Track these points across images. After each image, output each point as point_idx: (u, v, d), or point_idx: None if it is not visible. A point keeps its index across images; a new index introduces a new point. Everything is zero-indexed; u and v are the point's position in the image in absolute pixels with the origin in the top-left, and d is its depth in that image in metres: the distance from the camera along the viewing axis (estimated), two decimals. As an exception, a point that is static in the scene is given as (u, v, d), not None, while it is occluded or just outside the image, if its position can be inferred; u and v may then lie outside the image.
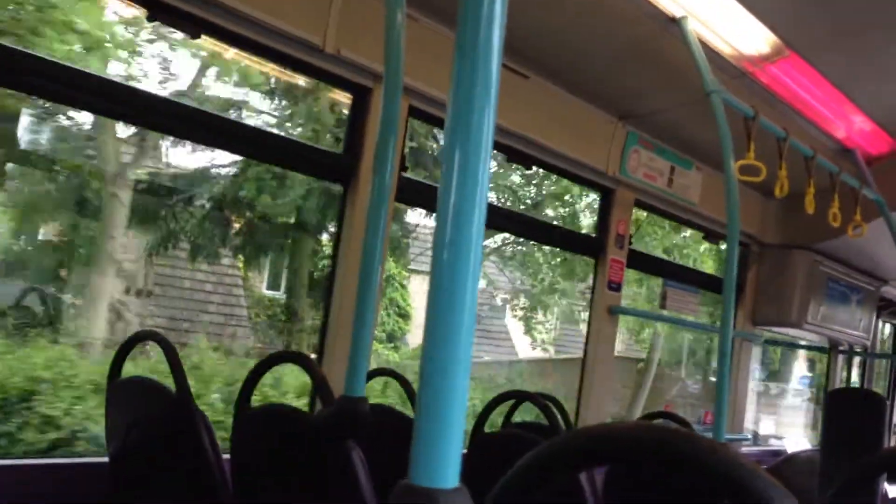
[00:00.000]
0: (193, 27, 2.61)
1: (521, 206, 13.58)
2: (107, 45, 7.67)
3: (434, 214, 0.84)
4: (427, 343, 0.78)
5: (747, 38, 3.36)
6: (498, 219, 3.96)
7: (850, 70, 3.71)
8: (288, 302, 12.71)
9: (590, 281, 4.37)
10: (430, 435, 0.76)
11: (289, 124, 10.06)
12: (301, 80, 8.20)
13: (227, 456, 2.24)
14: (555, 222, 12.74)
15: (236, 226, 10.93)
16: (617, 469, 3.08)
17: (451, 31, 0.83)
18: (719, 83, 3.11)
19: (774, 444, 6.54)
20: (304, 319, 11.74)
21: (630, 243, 4.50)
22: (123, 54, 8.14)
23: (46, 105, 8.73)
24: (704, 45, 3.23)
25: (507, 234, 13.97)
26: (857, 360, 7.41)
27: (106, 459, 2.49)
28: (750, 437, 6.10)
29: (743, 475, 0.61)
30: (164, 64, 8.88)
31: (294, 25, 2.73)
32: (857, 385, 7.33)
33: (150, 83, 8.62)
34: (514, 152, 3.78)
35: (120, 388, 2.49)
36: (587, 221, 13.19)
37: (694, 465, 0.63)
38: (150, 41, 8.37)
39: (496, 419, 3.50)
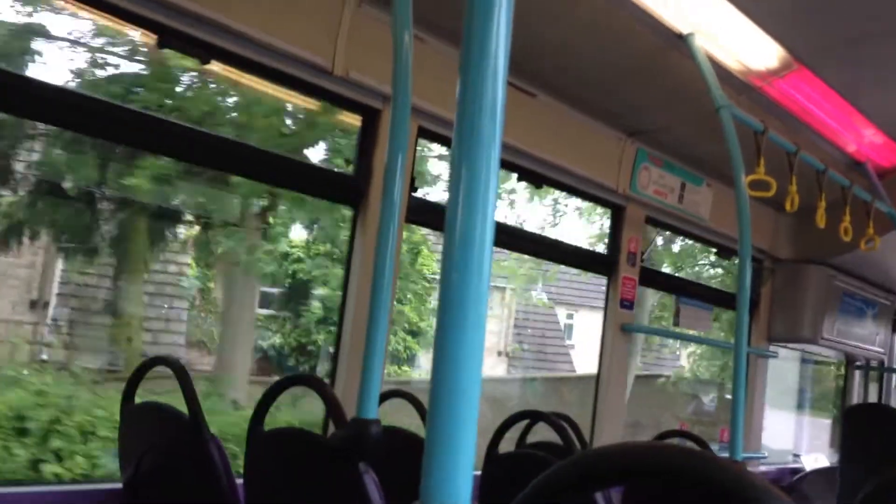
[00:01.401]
0: (203, 53, 2.63)
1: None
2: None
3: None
4: (437, 364, 0.77)
5: (755, 52, 3.36)
6: (507, 238, 3.96)
7: (859, 82, 3.70)
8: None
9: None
10: (441, 457, 0.75)
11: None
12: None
13: (240, 480, 2.23)
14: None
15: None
16: (634, 488, 3.05)
17: (458, 52, 0.83)
18: (728, 98, 3.10)
19: (792, 462, 6.47)
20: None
21: (643, 261, 4.48)
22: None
23: None
24: (712, 60, 3.23)
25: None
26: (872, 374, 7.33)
27: (120, 485, 2.49)
28: (767, 454, 6.03)
29: (757, 495, 0.60)
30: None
31: (303, 48, 2.75)
32: (874, 401, 7.25)
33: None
34: (524, 171, 3.78)
35: (133, 413, 2.49)
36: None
37: (708, 485, 0.62)
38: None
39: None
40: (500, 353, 17.49)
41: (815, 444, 8.45)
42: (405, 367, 15.34)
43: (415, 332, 15.56)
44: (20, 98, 2.34)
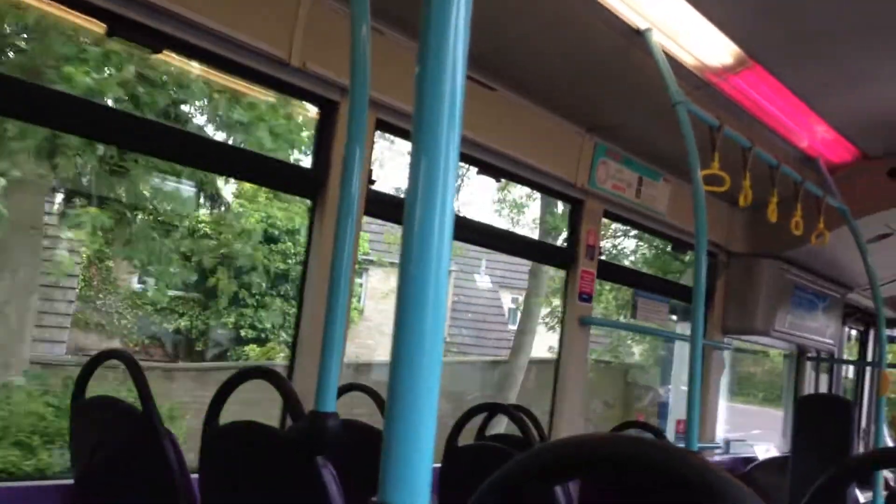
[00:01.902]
0: (155, 42, 2.58)
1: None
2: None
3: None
4: (395, 357, 0.77)
5: (711, 49, 3.40)
6: (466, 231, 3.96)
7: (812, 80, 3.77)
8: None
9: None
10: (400, 452, 0.75)
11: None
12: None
13: (195, 475, 2.21)
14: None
15: None
16: (592, 480, 3.08)
17: (417, 44, 0.82)
18: (684, 94, 3.14)
19: (745, 451, 6.59)
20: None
21: (600, 254, 4.52)
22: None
23: None
24: (669, 56, 3.26)
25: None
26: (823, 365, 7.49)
27: (71, 481, 2.44)
28: (722, 445, 6.13)
29: (715, 482, 0.61)
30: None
31: (259, 39, 2.71)
32: (824, 391, 7.41)
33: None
34: (483, 165, 3.79)
35: (84, 407, 2.44)
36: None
37: (666, 475, 0.63)
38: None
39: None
40: None
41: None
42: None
43: None
44: None
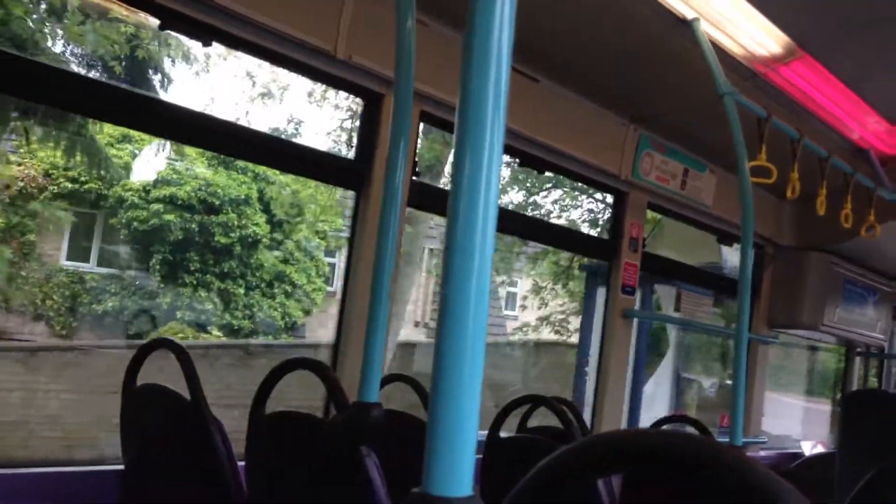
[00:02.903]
0: (204, 35, 2.62)
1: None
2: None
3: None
4: (439, 348, 0.77)
5: (759, 39, 3.34)
6: (509, 223, 3.96)
7: (863, 70, 3.69)
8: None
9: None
10: (443, 443, 0.76)
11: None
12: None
13: (241, 463, 2.25)
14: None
15: None
16: (634, 475, 3.06)
17: (461, 36, 0.82)
18: (732, 85, 3.09)
19: (792, 448, 6.49)
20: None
21: (644, 246, 4.48)
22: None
23: None
24: (716, 46, 3.21)
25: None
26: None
27: (121, 467, 2.50)
28: (767, 439, 6.05)
29: (756, 479, 0.61)
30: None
31: (305, 32, 2.74)
32: (874, 387, 7.27)
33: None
34: (526, 156, 3.78)
35: (135, 396, 2.50)
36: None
37: (706, 470, 0.63)
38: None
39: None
40: (416, 324, 15.83)
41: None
42: (285, 337, 12.89)
43: (300, 297, 13.07)
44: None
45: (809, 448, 6.38)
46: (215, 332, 11.97)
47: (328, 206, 13.38)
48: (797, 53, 3.43)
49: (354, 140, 4.02)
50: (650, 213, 4.70)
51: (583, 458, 0.71)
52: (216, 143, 2.99)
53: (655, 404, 7.46)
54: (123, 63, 10.33)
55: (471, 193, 0.78)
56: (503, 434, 3.12)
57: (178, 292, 11.86)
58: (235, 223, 12.02)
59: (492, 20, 0.80)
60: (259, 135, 3.12)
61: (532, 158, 3.79)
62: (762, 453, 5.93)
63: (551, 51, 3.39)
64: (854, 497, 1.56)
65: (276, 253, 12.92)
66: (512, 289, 18.67)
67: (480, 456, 3.04)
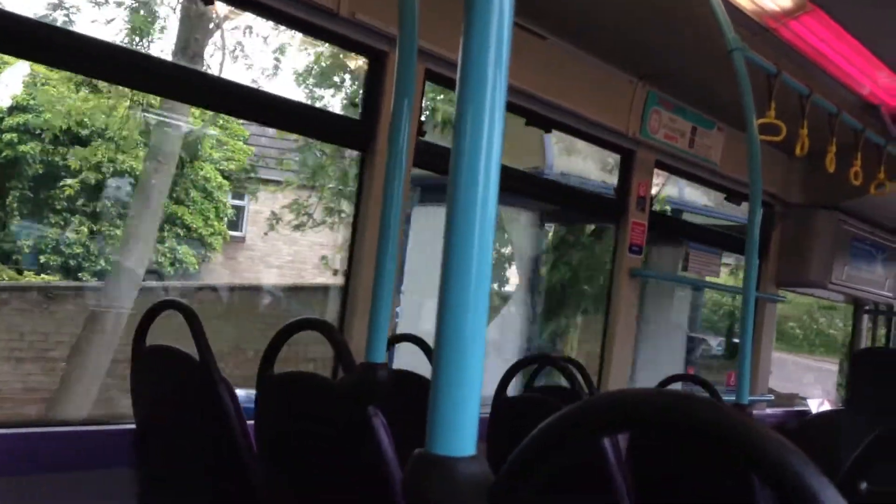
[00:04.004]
0: None
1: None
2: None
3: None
4: (442, 306, 0.77)
5: (770, -7, 3.29)
6: (513, 181, 3.94)
7: (874, 24, 3.63)
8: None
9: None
10: (446, 403, 0.76)
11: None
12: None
13: (251, 422, 2.27)
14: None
15: None
16: (640, 434, 3.08)
17: None
18: (741, 41, 3.05)
19: (798, 405, 6.53)
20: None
21: (651, 206, 4.46)
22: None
23: None
24: (725, 1, 3.16)
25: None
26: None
27: (132, 426, 2.53)
28: (772, 397, 6.08)
29: (756, 440, 0.61)
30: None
31: None
32: (882, 345, 7.28)
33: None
34: (532, 114, 3.74)
35: (144, 356, 2.51)
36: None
37: (707, 432, 0.63)
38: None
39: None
40: (336, 273, 12.80)
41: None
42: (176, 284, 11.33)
43: (197, 240, 11.61)
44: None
45: (816, 406, 6.42)
46: (87, 277, 10.58)
47: (235, 144, 11.97)
48: (807, 7, 3.37)
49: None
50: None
51: (584, 418, 0.70)
52: (218, 102, 2.97)
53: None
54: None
55: (473, 151, 0.77)
56: (510, 394, 3.14)
57: (42, 233, 10.56)
58: (104, 157, 10.43)
59: None
60: (262, 94, 3.10)
61: (538, 117, 3.76)
62: (769, 411, 5.96)
63: (558, 7, 3.35)
64: (861, 453, 1.56)
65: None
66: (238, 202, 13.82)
67: (487, 415, 3.06)
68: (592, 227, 7.90)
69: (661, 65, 3.95)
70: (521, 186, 4.25)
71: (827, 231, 5.43)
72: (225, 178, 12.07)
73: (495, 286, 8.31)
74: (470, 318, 0.76)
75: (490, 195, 0.77)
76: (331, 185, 11.54)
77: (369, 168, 3.06)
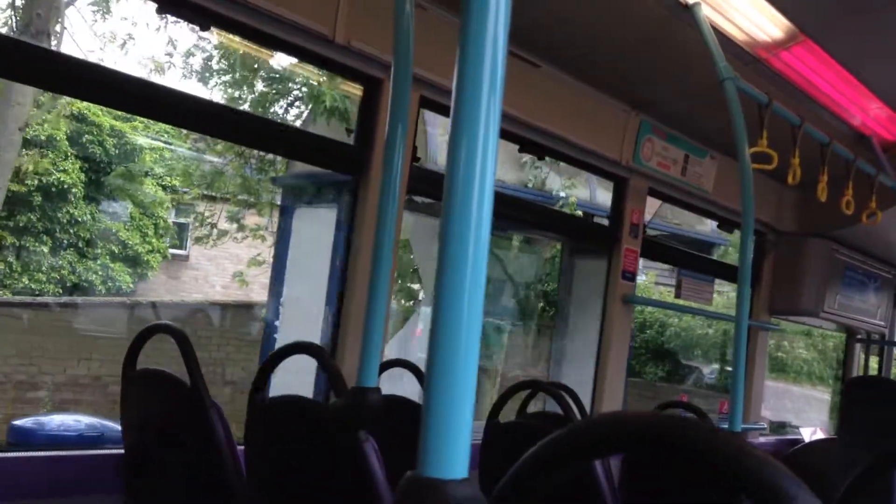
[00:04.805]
0: (203, 19, 2.61)
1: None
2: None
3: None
4: (434, 334, 0.77)
5: (760, 23, 3.32)
6: (506, 209, 3.95)
7: (865, 55, 3.67)
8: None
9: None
10: (438, 425, 0.75)
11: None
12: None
13: (241, 447, 2.25)
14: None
15: None
16: (633, 458, 3.07)
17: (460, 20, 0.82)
18: (733, 70, 3.08)
19: (791, 434, 6.51)
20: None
21: (644, 232, 4.48)
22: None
23: None
24: (717, 31, 3.20)
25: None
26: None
27: (122, 451, 2.51)
28: (766, 425, 6.07)
29: (752, 464, 0.61)
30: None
31: (304, 16, 2.72)
32: (875, 374, 7.28)
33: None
34: (526, 142, 3.76)
35: (135, 380, 2.50)
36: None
37: (702, 455, 0.63)
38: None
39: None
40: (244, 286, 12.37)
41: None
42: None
43: (132, 260, 10.94)
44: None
45: (809, 434, 6.40)
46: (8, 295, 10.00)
47: (176, 163, 11.33)
48: (798, 38, 3.41)
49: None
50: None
51: (577, 440, 0.71)
52: (211, 126, 2.98)
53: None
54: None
55: (466, 178, 0.78)
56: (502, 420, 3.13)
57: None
58: (30, 168, 9.87)
59: (488, 4, 0.79)
60: (257, 119, 3.11)
61: (532, 144, 3.78)
62: (761, 439, 5.95)
63: (552, 36, 3.38)
64: (853, 482, 1.56)
65: (105, 207, 10.86)
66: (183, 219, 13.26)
67: (480, 441, 3.04)
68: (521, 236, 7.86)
69: (654, 94, 3.98)
70: (514, 214, 4.26)
71: (819, 259, 5.45)
72: (167, 193, 11.51)
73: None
74: (462, 344, 0.76)
75: (483, 221, 0.77)
76: (234, 194, 10.96)
77: (363, 193, 3.07)
